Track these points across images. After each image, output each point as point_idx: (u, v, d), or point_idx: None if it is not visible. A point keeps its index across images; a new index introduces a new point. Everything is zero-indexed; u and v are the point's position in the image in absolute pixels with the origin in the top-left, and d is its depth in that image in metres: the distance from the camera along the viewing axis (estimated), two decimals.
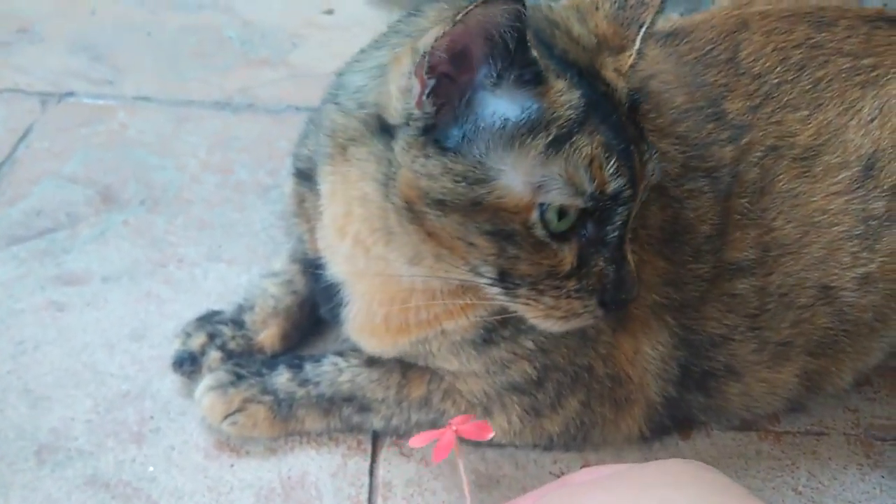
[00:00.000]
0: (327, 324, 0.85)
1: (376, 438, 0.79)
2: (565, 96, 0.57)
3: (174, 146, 1.14)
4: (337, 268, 0.71)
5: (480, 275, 0.60)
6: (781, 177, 0.73)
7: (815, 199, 0.72)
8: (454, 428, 0.53)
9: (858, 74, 0.74)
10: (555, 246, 0.58)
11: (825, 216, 0.72)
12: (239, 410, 0.76)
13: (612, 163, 0.57)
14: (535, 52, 0.55)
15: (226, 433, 0.77)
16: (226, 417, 0.76)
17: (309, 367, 0.78)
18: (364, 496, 0.74)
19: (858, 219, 0.71)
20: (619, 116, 0.58)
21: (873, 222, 0.71)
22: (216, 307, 0.88)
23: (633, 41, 0.62)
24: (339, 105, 0.64)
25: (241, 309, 0.86)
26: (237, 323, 0.84)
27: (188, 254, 0.96)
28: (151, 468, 0.74)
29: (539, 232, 0.57)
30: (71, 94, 1.24)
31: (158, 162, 1.11)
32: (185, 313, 0.87)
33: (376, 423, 0.78)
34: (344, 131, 0.63)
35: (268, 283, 0.88)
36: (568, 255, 0.59)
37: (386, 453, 0.78)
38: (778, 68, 0.76)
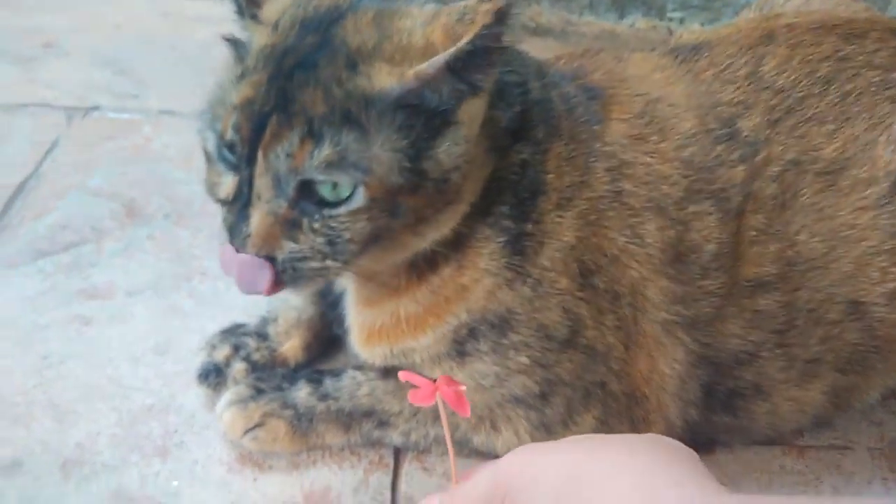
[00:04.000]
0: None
1: (398, 453, 0.79)
2: (262, 41, 0.62)
3: (198, 160, 1.14)
4: None
5: None
6: (804, 191, 0.72)
7: (841, 213, 0.72)
8: (437, 385, 0.51)
9: (889, 88, 0.73)
10: (218, 167, 0.64)
11: (853, 231, 0.71)
12: (259, 425, 0.76)
13: (236, 117, 0.59)
14: None
15: (247, 448, 0.77)
16: (246, 432, 0.76)
17: (328, 382, 0.79)
18: None
19: (887, 234, 0.70)
20: (288, 89, 0.59)
21: None
22: (239, 320, 0.88)
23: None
24: None
25: (264, 321, 0.86)
26: (261, 335, 0.85)
27: (211, 267, 0.97)
28: (175, 483, 0.75)
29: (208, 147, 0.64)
30: (96, 107, 1.25)
31: (183, 176, 1.11)
32: (208, 326, 0.88)
33: (396, 437, 0.78)
34: None
35: (290, 295, 0.88)
36: (227, 182, 0.63)
37: (408, 468, 0.78)
38: (804, 81, 0.75)
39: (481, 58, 0.58)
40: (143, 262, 0.98)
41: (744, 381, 0.73)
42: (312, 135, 0.58)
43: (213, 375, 0.81)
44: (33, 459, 0.76)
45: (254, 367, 0.82)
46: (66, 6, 1.52)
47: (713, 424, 0.76)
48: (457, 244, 0.68)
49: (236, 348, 0.83)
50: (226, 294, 0.94)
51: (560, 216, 0.68)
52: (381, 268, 0.68)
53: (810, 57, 0.76)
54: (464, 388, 0.51)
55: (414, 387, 0.51)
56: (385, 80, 0.59)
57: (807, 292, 0.71)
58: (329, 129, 0.58)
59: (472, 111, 0.62)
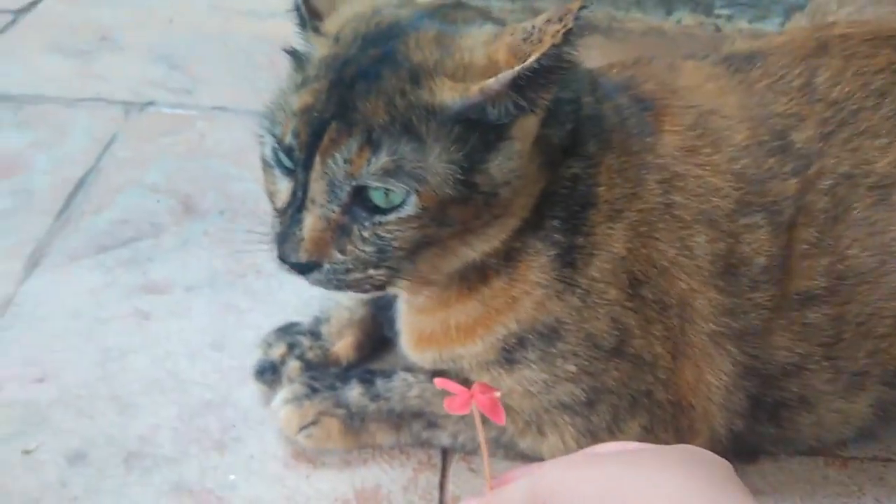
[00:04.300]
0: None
1: (445, 454, 0.81)
2: (323, 51, 0.64)
3: (251, 157, 1.15)
4: None
5: None
6: (856, 205, 0.72)
7: (893, 228, 0.72)
8: (474, 392, 0.52)
9: None
10: (275, 173, 0.66)
11: None
12: (314, 423, 0.79)
13: (295, 123, 0.61)
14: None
15: (301, 444, 0.79)
16: (301, 429, 0.79)
17: (380, 382, 0.81)
18: None
19: None
20: (348, 98, 0.61)
21: None
22: (292, 318, 0.90)
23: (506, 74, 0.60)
24: None
25: (317, 321, 0.89)
26: (314, 334, 0.87)
27: (265, 265, 0.98)
28: (232, 476, 0.77)
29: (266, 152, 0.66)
30: (151, 103, 1.28)
31: (236, 172, 1.14)
32: (263, 323, 0.91)
33: (444, 439, 0.80)
34: None
35: (342, 296, 0.90)
36: (283, 188, 0.65)
37: (455, 468, 0.80)
38: (857, 94, 0.74)
39: (545, 76, 0.59)
40: (199, 257, 1.01)
41: (790, 392, 0.74)
42: (371, 142, 0.59)
43: (269, 373, 0.84)
44: (97, 451, 0.79)
45: (307, 366, 0.84)
46: (119, 0, 1.55)
47: (758, 434, 0.77)
48: (508, 257, 0.69)
49: (291, 347, 0.85)
50: (279, 291, 0.96)
51: (611, 228, 0.69)
52: (429, 278, 0.70)
53: (864, 69, 0.76)
54: (499, 394, 0.52)
55: (450, 394, 0.52)
56: (448, 94, 0.60)
57: (856, 306, 0.72)
58: (388, 138, 0.59)
59: (527, 128, 0.64)
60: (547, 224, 0.69)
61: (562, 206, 0.69)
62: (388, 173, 0.60)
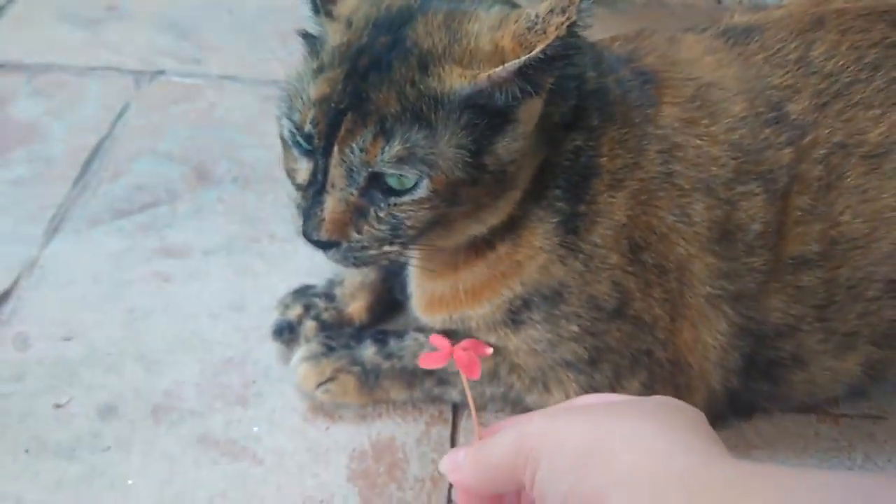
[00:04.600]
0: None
1: (456, 409, 0.85)
2: (337, 37, 0.66)
3: (260, 125, 1.20)
4: None
5: None
6: (849, 173, 0.75)
7: (884, 196, 0.75)
8: (453, 350, 0.55)
9: None
10: (294, 152, 0.69)
11: (895, 213, 0.75)
12: (331, 379, 0.83)
13: (314, 112, 0.64)
14: None
15: (319, 399, 0.84)
16: (319, 385, 0.83)
17: (393, 342, 0.85)
18: None
19: None
20: (362, 88, 0.64)
21: None
22: (306, 281, 0.94)
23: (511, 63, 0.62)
24: None
25: (331, 283, 0.93)
26: (329, 296, 0.91)
27: (278, 230, 1.03)
28: (256, 428, 0.82)
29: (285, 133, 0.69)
30: (161, 72, 1.31)
31: (247, 140, 1.17)
32: (278, 286, 0.94)
33: (455, 395, 0.84)
34: None
35: None
36: (303, 168, 0.69)
37: (465, 423, 0.84)
38: (851, 67, 0.77)
39: (550, 64, 0.62)
40: (214, 223, 1.04)
41: (784, 351, 0.78)
42: (384, 132, 0.63)
43: (287, 332, 0.88)
44: (126, 405, 0.83)
45: (323, 326, 0.89)
46: None
47: (753, 391, 0.81)
48: (511, 226, 0.73)
49: (307, 308, 0.89)
50: (293, 256, 1.00)
51: (612, 196, 0.73)
52: (440, 249, 0.73)
53: (859, 43, 0.78)
54: (490, 350, 0.56)
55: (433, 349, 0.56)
56: (456, 81, 0.63)
57: (848, 270, 0.75)
58: (400, 127, 0.62)
59: (532, 109, 0.67)
60: (549, 194, 0.72)
61: (564, 176, 0.72)
62: (401, 160, 0.63)
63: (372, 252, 0.68)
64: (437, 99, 0.63)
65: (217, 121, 1.22)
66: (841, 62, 0.77)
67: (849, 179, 0.75)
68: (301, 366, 0.83)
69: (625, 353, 0.77)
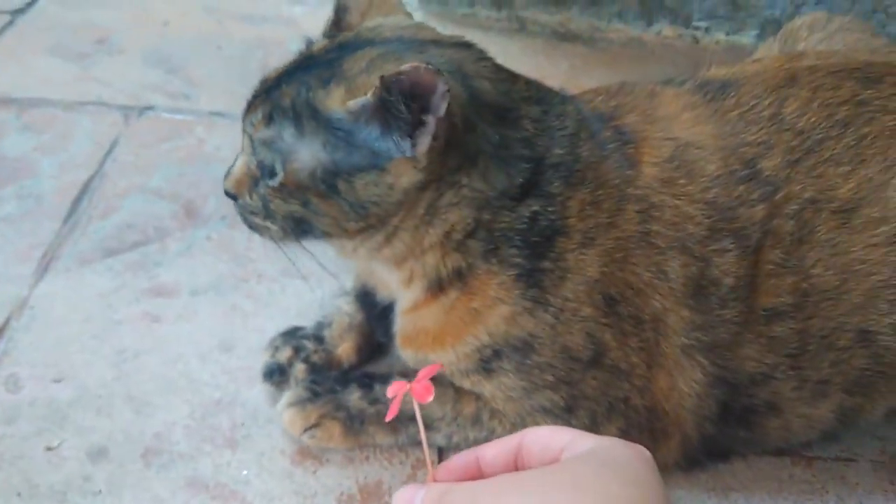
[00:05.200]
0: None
1: (441, 452, 0.87)
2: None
3: None
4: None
5: None
6: (820, 228, 0.77)
7: (854, 249, 0.77)
8: (409, 384, 0.56)
9: None
10: None
11: (864, 266, 0.77)
12: (316, 425, 0.85)
13: (255, 89, 0.76)
14: None
15: (306, 444, 0.85)
16: (305, 431, 0.85)
17: (378, 387, 0.87)
18: None
19: None
20: (282, 81, 0.73)
21: None
22: (295, 322, 0.96)
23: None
24: None
25: (320, 325, 0.95)
26: (318, 338, 0.93)
27: (266, 270, 1.05)
28: (245, 472, 0.83)
29: None
30: (150, 108, 1.32)
31: None
32: (266, 326, 0.96)
33: (439, 439, 0.86)
34: None
35: (342, 302, 0.96)
36: None
37: None
38: (823, 124, 0.80)
39: (385, 110, 0.66)
40: (204, 262, 1.06)
41: (758, 398, 0.81)
42: (267, 117, 0.71)
43: (277, 374, 0.90)
44: (117, 447, 0.84)
45: (313, 368, 0.90)
46: (115, 1, 1.59)
47: (728, 437, 0.83)
48: (458, 272, 0.76)
49: (297, 350, 0.91)
50: (281, 296, 1.02)
51: (583, 254, 0.75)
52: (356, 260, 0.85)
53: (830, 100, 0.81)
54: (443, 368, 0.57)
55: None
56: (333, 102, 0.69)
57: (820, 321, 0.78)
58: (279, 119, 0.71)
59: (403, 173, 0.70)
60: (501, 251, 0.74)
61: (520, 238, 0.74)
62: (265, 143, 0.72)
63: (256, 220, 0.76)
64: (314, 111, 0.70)
65: (206, 157, 1.23)
66: (813, 119, 0.80)
67: (820, 234, 0.77)
68: (287, 411, 0.85)
69: (601, 400, 0.79)
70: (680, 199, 0.76)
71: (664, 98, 0.84)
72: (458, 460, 0.56)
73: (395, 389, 0.57)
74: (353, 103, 0.67)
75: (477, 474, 0.55)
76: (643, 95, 0.85)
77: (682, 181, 0.77)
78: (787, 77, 0.83)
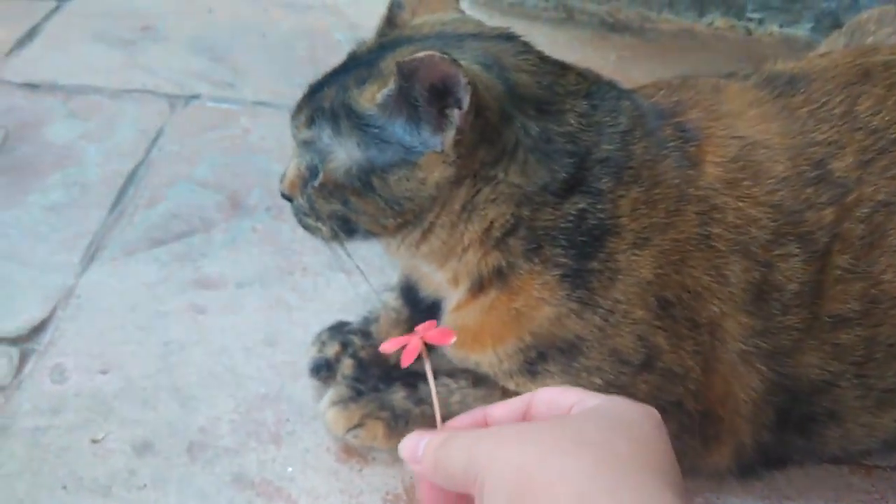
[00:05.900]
0: None
1: None
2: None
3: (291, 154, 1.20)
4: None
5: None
6: (892, 231, 0.74)
7: None
8: (419, 335, 0.55)
9: None
10: None
11: None
12: (359, 425, 0.83)
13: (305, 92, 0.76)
14: None
15: (349, 443, 0.84)
16: (348, 430, 0.83)
17: (422, 387, 0.85)
18: None
19: None
20: (325, 83, 0.74)
21: None
22: (339, 316, 0.95)
23: None
24: None
25: (367, 321, 0.93)
26: (365, 333, 0.92)
27: (311, 263, 1.04)
28: (290, 468, 0.82)
29: None
30: (196, 96, 1.32)
31: (279, 168, 1.15)
32: (311, 321, 0.95)
33: None
34: None
35: (388, 297, 0.95)
36: None
37: None
38: None
39: (408, 101, 0.67)
40: (249, 254, 1.05)
41: (819, 406, 0.78)
42: (309, 119, 0.72)
43: (325, 370, 0.88)
44: (162, 441, 0.84)
45: (360, 364, 0.89)
46: None
47: (785, 445, 0.81)
48: (498, 272, 0.74)
49: (344, 346, 0.90)
50: (326, 290, 1.01)
51: (635, 255, 0.72)
52: (401, 259, 0.85)
53: None
54: (453, 338, 0.56)
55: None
56: (366, 100, 0.69)
57: (888, 328, 0.75)
58: (320, 120, 0.71)
59: (434, 168, 0.69)
60: (545, 252, 0.72)
61: (565, 236, 0.71)
62: (306, 143, 0.73)
63: (309, 221, 0.77)
64: (349, 110, 0.70)
65: (251, 147, 1.23)
66: (887, 117, 0.76)
67: (892, 238, 0.74)
68: (330, 410, 0.84)
69: (653, 403, 0.76)
70: (744, 202, 0.73)
71: (729, 93, 0.81)
72: (466, 417, 0.56)
73: (395, 343, 0.56)
74: (380, 95, 0.68)
75: None
76: (706, 90, 0.82)
77: (746, 182, 0.74)
78: (861, 73, 0.80)
